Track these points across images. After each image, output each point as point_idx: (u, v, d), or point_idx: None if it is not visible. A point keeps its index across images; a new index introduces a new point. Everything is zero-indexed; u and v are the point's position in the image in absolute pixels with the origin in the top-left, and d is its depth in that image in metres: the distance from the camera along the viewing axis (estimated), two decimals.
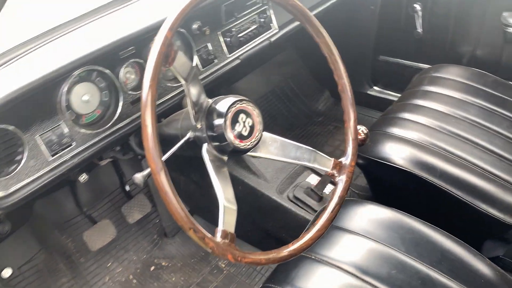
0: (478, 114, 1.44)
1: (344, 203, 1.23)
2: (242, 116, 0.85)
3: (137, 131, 1.10)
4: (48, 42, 1.00)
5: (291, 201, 1.42)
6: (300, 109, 2.21)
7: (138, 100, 1.08)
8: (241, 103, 0.85)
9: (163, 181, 0.68)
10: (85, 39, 1.01)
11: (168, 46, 0.72)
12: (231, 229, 0.76)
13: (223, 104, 0.84)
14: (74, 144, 0.97)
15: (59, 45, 1.00)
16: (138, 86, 1.09)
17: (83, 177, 1.17)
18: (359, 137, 0.99)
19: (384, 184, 1.44)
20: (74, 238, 1.53)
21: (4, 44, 0.98)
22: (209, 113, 0.85)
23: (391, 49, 2.03)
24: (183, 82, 0.81)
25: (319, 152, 0.94)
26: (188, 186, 1.66)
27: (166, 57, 0.73)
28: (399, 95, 2.02)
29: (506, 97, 1.51)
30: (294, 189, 1.44)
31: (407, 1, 1.87)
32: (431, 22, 1.85)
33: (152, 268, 1.57)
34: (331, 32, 0.99)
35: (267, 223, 1.49)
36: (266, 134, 0.91)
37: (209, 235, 0.71)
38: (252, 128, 0.86)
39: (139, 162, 1.61)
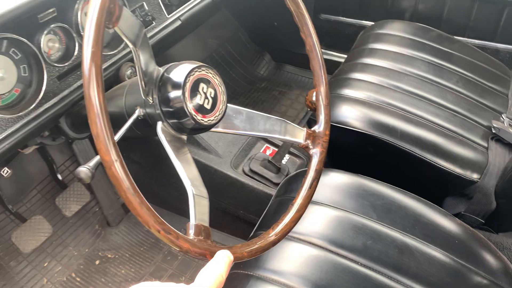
0: (428, 69, 1.42)
1: (302, 173, 1.15)
2: (202, 86, 0.71)
3: (69, 111, 0.92)
4: None
5: (247, 175, 1.32)
6: (242, 75, 2.08)
7: (66, 74, 0.89)
8: (199, 70, 0.71)
9: (121, 174, 0.54)
10: None
11: (109, 0, 0.55)
12: (205, 222, 0.64)
13: (179, 72, 0.70)
14: None
15: None
16: (65, 57, 0.90)
17: (5, 172, 0.98)
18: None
19: (341, 149, 1.38)
20: None
21: None
22: (162, 85, 0.70)
23: (332, 7, 1.94)
24: (131, 46, 0.65)
25: (289, 122, 0.84)
26: (129, 168, 1.49)
27: (109, 15, 0.56)
28: (343, 55, 1.96)
29: (452, 51, 1.50)
30: (249, 162, 1.34)
31: None
32: None
33: (97, 262, 1.41)
34: None
35: (222, 201, 1.38)
36: (229, 107, 0.79)
37: (183, 235, 0.58)
38: (215, 99, 0.73)
39: (69, 146, 1.41)
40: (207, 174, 1.33)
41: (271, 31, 2.05)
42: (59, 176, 1.41)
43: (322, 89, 0.85)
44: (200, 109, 0.70)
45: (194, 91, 0.70)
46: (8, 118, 0.81)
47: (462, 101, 1.33)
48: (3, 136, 0.80)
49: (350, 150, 1.36)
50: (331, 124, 1.25)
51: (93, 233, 1.47)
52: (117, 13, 0.58)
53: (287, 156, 1.38)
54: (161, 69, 0.72)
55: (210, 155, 1.34)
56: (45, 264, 1.37)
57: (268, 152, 1.39)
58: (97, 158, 0.62)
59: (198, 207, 0.64)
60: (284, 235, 0.73)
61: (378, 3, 1.83)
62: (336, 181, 1.11)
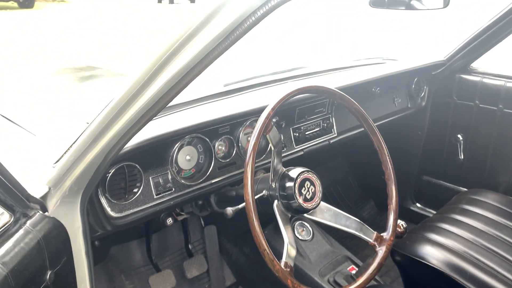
0: (510, 234, 1.59)
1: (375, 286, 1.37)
2: (307, 183, 1.10)
3: (218, 191, 1.37)
4: (183, 110, 1.34)
5: (332, 285, 1.55)
6: None
7: (223, 166, 1.37)
8: (308, 173, 1.11)
9: (252, 213, 0.94)
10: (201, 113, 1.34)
11: (269, 119, 1.03)
12: (291, 262, 0.98)
13: (294, 171, 1.11)
14: (173, 189, 1.26)
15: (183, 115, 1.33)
16: (226, 156, 1.39)
17: (169, 221, 1.43)
18: (399, 229, 1.20)
19: (417, 281, 1.57)
20: (136, 284, 1.73)
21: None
22: (283, 177, 1.12)
23: (434, 171, 2.25)
24: (273, 149, 1.10)
25: (365, 224, 1.16)
26: (239, 258, 1.84)
27: (266, 127, 1.03)
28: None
29: None
30: (335, 275, 1.58)
31: (451, 130, 2.13)
32: (472, 150, 2.08)
33: None
34: None
35: None
36: (323, 204, 1.16)
37: (278, 261, 0.94)
38: (314, 194, 1.11)
39: (201, 230, 1.85)
40: (297, 275, 1.61)
41: (378, 182, 2.39)
42: (190, 246, 1.86)
43: (393, 202, 1.17)
44: (303, 197, 1.09)
45: (301, 185, 1.09)
46: (184, 184, 1.28)
47: None
48: (180, 193, 1.26)
49: (425, 284, 1.54)
50: (411, 257, 1.49)
51: None
52: (270, 127, 1.05)
53: None
54: (284, 169, 1.14)
55: (304, 260, 1.63)
56: None
57: (353, 272, 1.63)
58: (242, 205, 1.03)
59: (289, 253, 0.99)
60: None
61: (475, 173, 2.08)
62: None
